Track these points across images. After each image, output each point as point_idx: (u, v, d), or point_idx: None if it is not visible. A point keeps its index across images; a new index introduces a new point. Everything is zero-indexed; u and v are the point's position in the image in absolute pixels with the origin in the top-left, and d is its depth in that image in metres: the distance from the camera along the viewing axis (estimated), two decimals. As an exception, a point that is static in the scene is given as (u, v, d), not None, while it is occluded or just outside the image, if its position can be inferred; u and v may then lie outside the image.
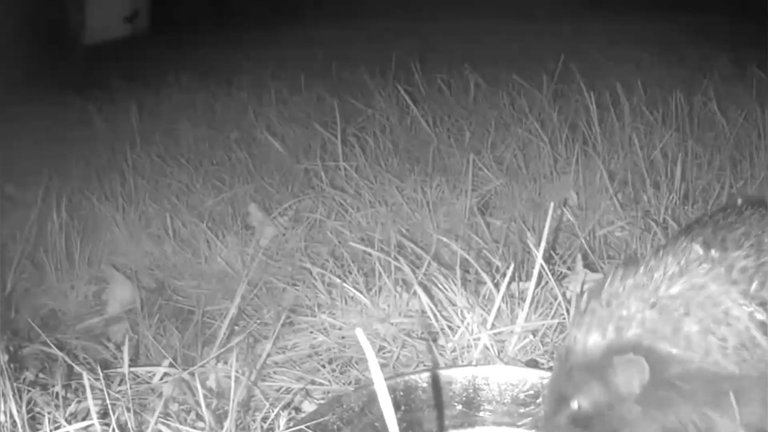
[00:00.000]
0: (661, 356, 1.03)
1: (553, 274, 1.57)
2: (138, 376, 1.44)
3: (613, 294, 1.07)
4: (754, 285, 1.03)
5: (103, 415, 1.21)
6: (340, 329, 1.60)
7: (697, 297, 1.02)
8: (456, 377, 1.30)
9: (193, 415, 1.31)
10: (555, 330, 1.49)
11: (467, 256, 1.65)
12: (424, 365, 1.46)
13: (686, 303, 1.02)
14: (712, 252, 1.06)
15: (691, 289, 1.03)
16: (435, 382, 1.27)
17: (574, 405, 1.09)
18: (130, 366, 1.33)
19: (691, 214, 1.92)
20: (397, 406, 1.26)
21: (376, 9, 5.21)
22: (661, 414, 1.07)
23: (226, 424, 1.22)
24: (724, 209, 1.16)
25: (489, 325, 1.48)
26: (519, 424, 1.27)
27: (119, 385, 1.36)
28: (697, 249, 1.07)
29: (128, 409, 1.23)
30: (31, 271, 1.99)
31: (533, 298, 1.50)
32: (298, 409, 1.36)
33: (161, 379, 1.42)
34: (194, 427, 1.26)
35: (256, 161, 2.61)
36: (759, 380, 1.02)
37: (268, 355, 1.49)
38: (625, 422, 1.09)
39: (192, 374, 1.35)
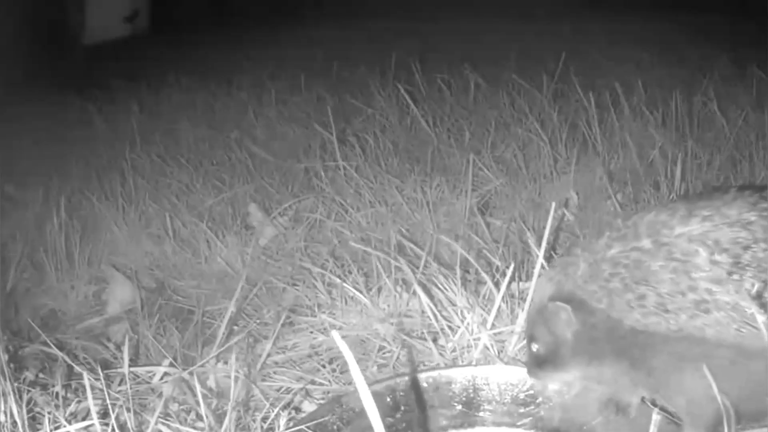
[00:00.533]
0: (588, 309, 1.15)
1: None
2: (138, 376, 1.44)
3: (573, 254, 1.21)
4: (686, 249, 1.10)
5: (103, 415, 1.21)
6: (340, 329, 1.60)
7: (625, 260, 1.12)
8: (456, 377, 1.30)
9: (193, 415, 1.31)
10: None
11: (467, 256, 1.65)
12: (424, 365, 1.46)
13: (615, 264, 1.13)
14: (660, 220, 1.14)
15: (622, 251, 1.14)
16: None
17: (533, 347, 1.23)
18: (130, 366, 1.32)
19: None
20: (396, 406, 1.26)
21: (376, 9, 5.22)
22: (591, 362, 1.19)
23: (226, 423, 1.22)
24: (716, 189, 1.21)
25: (489, 325, 1.48)
26: (519, 424, 1.28)
27: (119, 385, 1.36)
28: (647, 217, 1.16)
29: (128, 409, 1.23)
30: (31, 271, 1.99)
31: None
32: (298, 409, 1.36)
33: (161, 379, 1.42)
34: (194, 427, 1.26)
35: (256, 161, 2.61)
36: (682, 340, 1.09)
37: (268, 355, 1.49)
38: (565, 366, 1.22)
39: (192, 374, 1.35)
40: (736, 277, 1.07)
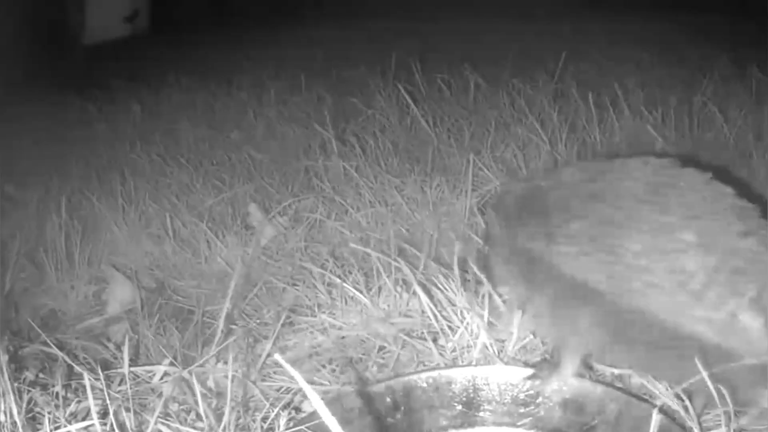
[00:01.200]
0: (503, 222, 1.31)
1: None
2: (138, 376, 1.44)
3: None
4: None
5: (103, 415, 1.21)
6: (340, 329, 1.60)
7: (529, 189, 1.30)
8: (456, 377, 1.30)
9: (193, 415, 1.31)
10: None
11: (467, 256, 1.65)
12: (424, 365, 1.46)
13: (523, 189, 1.31)
14: None
15: (532, 182, 1.32)
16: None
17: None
18: (130, 366, 1.33)
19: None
20: (396, 406, 1.26)
21: (376, 9, 5.22)
22: (508, 270, 1.33)
23: (226, 423, 1.22)
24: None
25: (488, 324, 1.48)
26: (519, 424, 1.27)
27: (119, 385, 1.36)
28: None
29: (128, 409, 1.23)
30: (31, 270, 1.99)
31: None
32: (298, 409, 1.36)
33: (161, 379, 1.42)
34: (194, 427, 1.26)
35: (256, 161, 2.61)
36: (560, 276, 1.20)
37: (268, 355, 1.49)
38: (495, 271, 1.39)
39: (191, 374, 1.35)
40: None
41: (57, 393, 1.32)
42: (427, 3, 5.39)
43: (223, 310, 1.51)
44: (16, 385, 1.25)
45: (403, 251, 1.79)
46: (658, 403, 1.22)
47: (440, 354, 1.47)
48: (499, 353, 1.45)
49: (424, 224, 2.03)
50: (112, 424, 1.17)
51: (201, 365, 1.41)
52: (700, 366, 1.08)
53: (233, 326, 1.63)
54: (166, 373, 1.42)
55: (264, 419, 1.28)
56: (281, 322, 1.57)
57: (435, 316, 1.52)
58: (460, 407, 1.29)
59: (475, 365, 1.36)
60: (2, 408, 1.20)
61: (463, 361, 1.45)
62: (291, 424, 1.23)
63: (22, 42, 3.73)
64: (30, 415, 1.24)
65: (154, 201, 2.31)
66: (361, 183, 2.26)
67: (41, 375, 1.44)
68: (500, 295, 1.49)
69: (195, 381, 1.30)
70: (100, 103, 3.44)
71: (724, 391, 1.09)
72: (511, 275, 1.32)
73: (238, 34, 4.77)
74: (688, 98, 2.70)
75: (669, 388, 1.23)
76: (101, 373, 1.28)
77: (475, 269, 1.52)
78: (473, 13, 4.98)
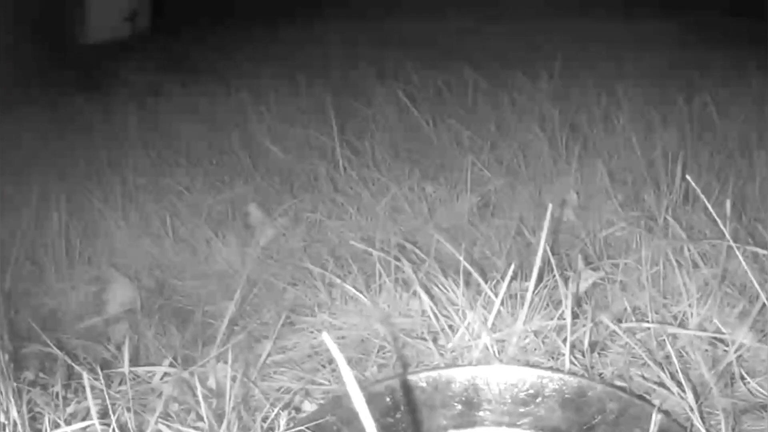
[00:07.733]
0: None
1: (553, 274, 1.56)
2: (138, 376, 1.44)
3: None
4: None
5: (103, 415, 1.21)
6: (340, 329, 1.60)
7: None
8: (456, 377, 1.30)
9: (193, 415, 1.31)
10: (556, 330, 1.49)
11: (464, 259, 1.65)
12: (424, 365, 1.46)
13: None
14: None
15: None
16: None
17: None
18: (130, 366, 1.32)
19: (692, 214, 1.92)
20: (396, 406, 1.26)
21: (375, 9, 5.22)
22: None
23: (226, 424, 1.22)
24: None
25: (489, 325, 1.48)
26: (519, 423, 1.27)
27: (119, 385, 1.36)
28: None
29: (128, 409, 1.23)
30: (31, 270, 1.99)
31: (534, 298, 1.50)
32: (298, 409, 1.36)
33: (161, 379, 1.42)
34: (194, 428, 1.26)
35: (256, 161, 2.61)
36: None
37: (268, 355, 1.49)
38: None
39: (192, 374, 1.35)
40: None
41: (57, 393, 1.32)
42: (427, 3, 5.39)
43: (227, 313, 1.51)
44: (16, 385, 1.25)
45: (403, 251, 1.79)
46: (658, 402, 1.22)
47: (440, 354, 1.47)
48: (499, 353, 1.45)
49: (424, 224, 2.03)
50: (113, 425, 1.17)
51: (201, 365, 1.41)
52: None
53: (234, 327, 1.63)
54: (166, 374, 1.42)
55: (264, 419, 1.28)
56: (281, 322, 1.57)
57: (435, 315, 1.52)
58: (459, 407, 1.29)
59: (475, 365, 1.36)
60: (2, 408, 1.19)
61: (463, 361, 1.45)
62: (291, 424, 1.23)
63: (22, 42, 3.73)
64: (30, 415, 1.24)
65: (154, 201, 2.31)
66: (361, 183, 2.26)
67: (41, 375, 1.44)
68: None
69: (196, 381, 1.30)
70: (100, 103, 3.44)
71: None
72: None
73: (238, 34, 4.77)
74: (688, 98, 2.70)
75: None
76: (101, 373, 1.28)
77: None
78: (473, 13, 4.98)
